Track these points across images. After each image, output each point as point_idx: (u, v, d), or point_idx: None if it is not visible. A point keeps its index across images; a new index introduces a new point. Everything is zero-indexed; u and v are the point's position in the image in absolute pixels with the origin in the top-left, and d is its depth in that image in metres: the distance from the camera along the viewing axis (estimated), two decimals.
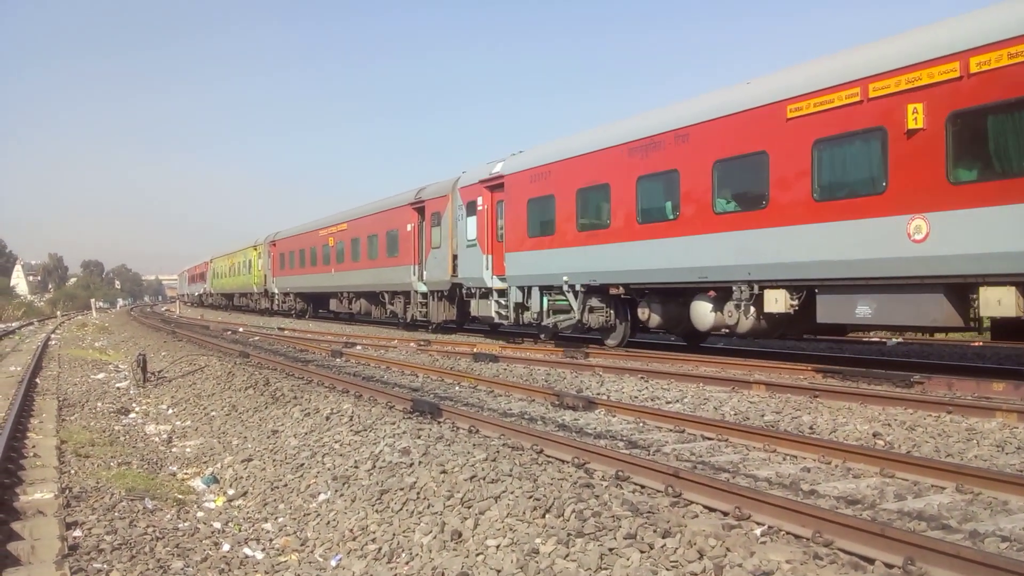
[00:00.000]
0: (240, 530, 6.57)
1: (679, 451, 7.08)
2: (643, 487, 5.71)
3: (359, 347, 19.85)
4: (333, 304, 34.62)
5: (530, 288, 18.26)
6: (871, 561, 4.07)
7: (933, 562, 3.86)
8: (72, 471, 8.04)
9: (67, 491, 7.01)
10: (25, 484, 7.19)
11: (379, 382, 12.26)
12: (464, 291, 21.77)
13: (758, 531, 4.64)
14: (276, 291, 43.45)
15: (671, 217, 14.30)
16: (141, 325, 37.56)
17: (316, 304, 39.77)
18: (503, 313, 19.63)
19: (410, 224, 25.62)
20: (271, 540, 6.28)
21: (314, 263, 36.28)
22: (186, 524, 6.59)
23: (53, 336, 33.11)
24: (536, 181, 17.86)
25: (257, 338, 24.38)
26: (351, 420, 8.73)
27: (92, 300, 73.38)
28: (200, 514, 7.02)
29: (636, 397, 10.52)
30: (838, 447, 6.71)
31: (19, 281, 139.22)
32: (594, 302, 16.48)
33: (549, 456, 6.76)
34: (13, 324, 46.56)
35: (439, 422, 8.47)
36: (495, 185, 19.97)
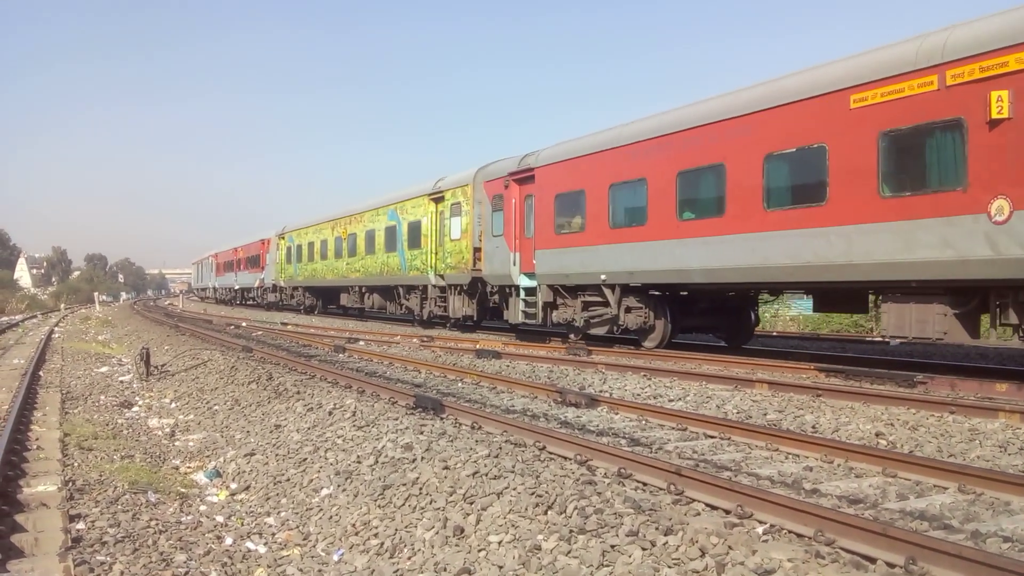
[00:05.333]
0: (243, 524, 6.59)
1: (681, 449, 7.08)
2: (645, 484, 5.72)
3: (362, 342, 19.88)
4: (889, 318, 11.35)
5: None
6: (873, 560, 4.07)
7: (935, 562, 3.86)
8: (75, 464, 8.05)
9: (70, 484, 7.02)
10: (29, 476, 7.21)
11: (382, 378, 12.27)
12: None
13: (760, 529, 4.64)
14: (525, 281, 19.64)
15: None
16: (144, 319, 37.60)
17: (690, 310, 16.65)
18: None
19: None
20: (274, 534, 6.30)
21: (784, 199, 12.40)
22: (189, 518, 6.61)
23: (56, 329, 33.14)
24: None
25: (260, 333, 24.42)
26: (354, 415, 8.75)
27: (95, 294, 73.30)
28: (203, 508, 7.04)
29: (639, 395, 10.52)
30: (841, 446, 6.71)
31: (23, 274, 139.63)
32: None
33: (551, 453, 6.76)
34: (17, 317, 46.70)
35: (442, 418, 8.47)
36: None
